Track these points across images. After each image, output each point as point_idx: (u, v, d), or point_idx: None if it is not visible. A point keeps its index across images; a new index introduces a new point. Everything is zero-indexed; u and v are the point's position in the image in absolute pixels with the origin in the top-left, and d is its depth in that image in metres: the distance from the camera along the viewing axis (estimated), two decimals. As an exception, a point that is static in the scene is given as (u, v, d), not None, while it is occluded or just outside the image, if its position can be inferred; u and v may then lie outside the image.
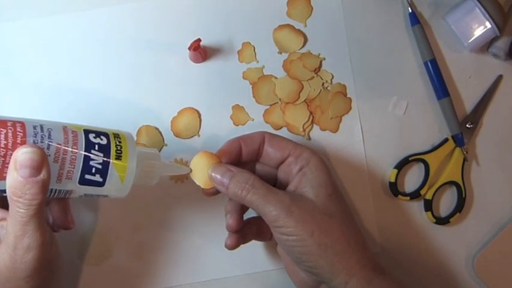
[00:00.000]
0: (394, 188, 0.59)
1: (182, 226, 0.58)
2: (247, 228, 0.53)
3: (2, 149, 0.39)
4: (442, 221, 0.59)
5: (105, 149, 0.44)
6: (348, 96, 0.60)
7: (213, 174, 0.49)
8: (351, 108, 0.60)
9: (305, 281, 0.50)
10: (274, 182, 0.53)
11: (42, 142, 0.41)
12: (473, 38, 0.59)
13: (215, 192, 0.50)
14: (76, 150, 0.42)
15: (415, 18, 0.60)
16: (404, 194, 0.59)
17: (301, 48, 0.60)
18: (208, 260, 0.58)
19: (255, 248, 0.57)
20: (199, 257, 0.58)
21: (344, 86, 0.60)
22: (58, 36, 0.60)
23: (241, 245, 0.53)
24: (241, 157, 0.51)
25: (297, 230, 0.46)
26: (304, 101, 0.60)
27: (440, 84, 0.60)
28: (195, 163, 0.50)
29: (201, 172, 0.50)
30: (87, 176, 0.43)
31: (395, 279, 0.48)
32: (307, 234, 0.46)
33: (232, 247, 0.52)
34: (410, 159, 0.59)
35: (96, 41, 0.60)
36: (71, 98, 0.59)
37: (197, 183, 0.50)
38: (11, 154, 0.39)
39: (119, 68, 0.60)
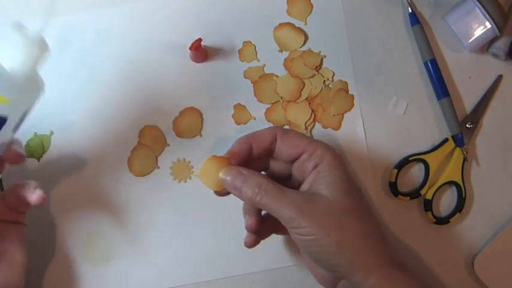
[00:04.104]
0: (394, 188, 0.59)
1: (183, 226, 0.58)
2: (265, 225, 0.52)
3: None
4: (442, 221, 0.59)
5: None
6: (349, 93, 0.60)
7: (225, 177, 0.48)
8: (353, 105, 0.60)
9: (325, 277, 0.50)
10: (290, 176, 0.52)
11: None
12: (473, 38, 0.59)
13: (227, 192, 0.49)
14: None
15: (415, 18, 0.61)
16: (404, 194, 0.59)
17: (301, 46, 0.61)
18: (210, 260, 0.58)
19: (259, 246, 0.56)
20: (201, 257, 0.58)
21: (346, 83, 0.60)
22: (58, 37, 0.60)
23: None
24: (251, 156, 0.50)
25: (312, 230, 0.45)
26: (306, 99, 0.60)
27: (440, 84, 0.60)
28: (205, 168, 0.49)
29: (211, 176, 0.48)
30: None
31: (415, 276, 0.47)
32: (323, 234, 0.45)
33: (252, 246, 0.51)
34: (410, 159, 0.59)
35: (97, 41, 0.60)
36: (71, 99, 0.59)
37: (208, 188, 0.49)
38: None
39: (120, 69, 0.60)
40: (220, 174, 0.48)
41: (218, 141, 0.59)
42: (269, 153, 0.51)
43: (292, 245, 0.58)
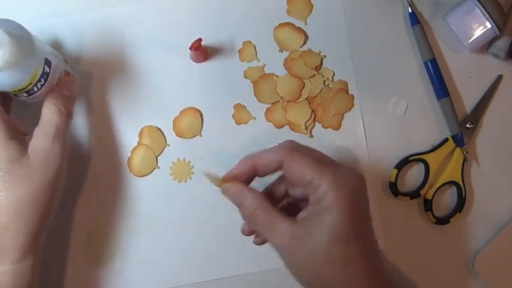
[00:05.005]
0: (394, 188, 0.59)
1: (183, 226, 0.58)
2: None
3: None
4: (442, 221, 0.59)
5: None
6: (349, 93, 0.60)
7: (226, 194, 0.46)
8: (353, 105, 0.60)
9: None
10: None
11: None
12: (473, 38, 0.59)
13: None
14: None
15: (415, 18, 0.61)
16: (404, 194, 0.59)
17: (301, 46, 0.61)
18: (210, 260, 0.58)
19: (259, 246, 0.56)
20: (201, 257, 0.58)
21: (345, 82, 0.60)
22: (59, 37, 0.60)
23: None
24: (254, 177, 0.47)
25: (295, 271, 0.44)
26: (306, 99, 0.60)
27: (440, 84, 0.60)
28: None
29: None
30: None
31: None
32: (304, 277, 0.44)
33: (248, 234, 0.50)
34: (410, 159, 0.59)
35: (97, 41, 0.60)
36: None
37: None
38: None
39: (120, 69, 0.60)
40: (221, 190, 0.46)
41: (218, 141, 0.59)
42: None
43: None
